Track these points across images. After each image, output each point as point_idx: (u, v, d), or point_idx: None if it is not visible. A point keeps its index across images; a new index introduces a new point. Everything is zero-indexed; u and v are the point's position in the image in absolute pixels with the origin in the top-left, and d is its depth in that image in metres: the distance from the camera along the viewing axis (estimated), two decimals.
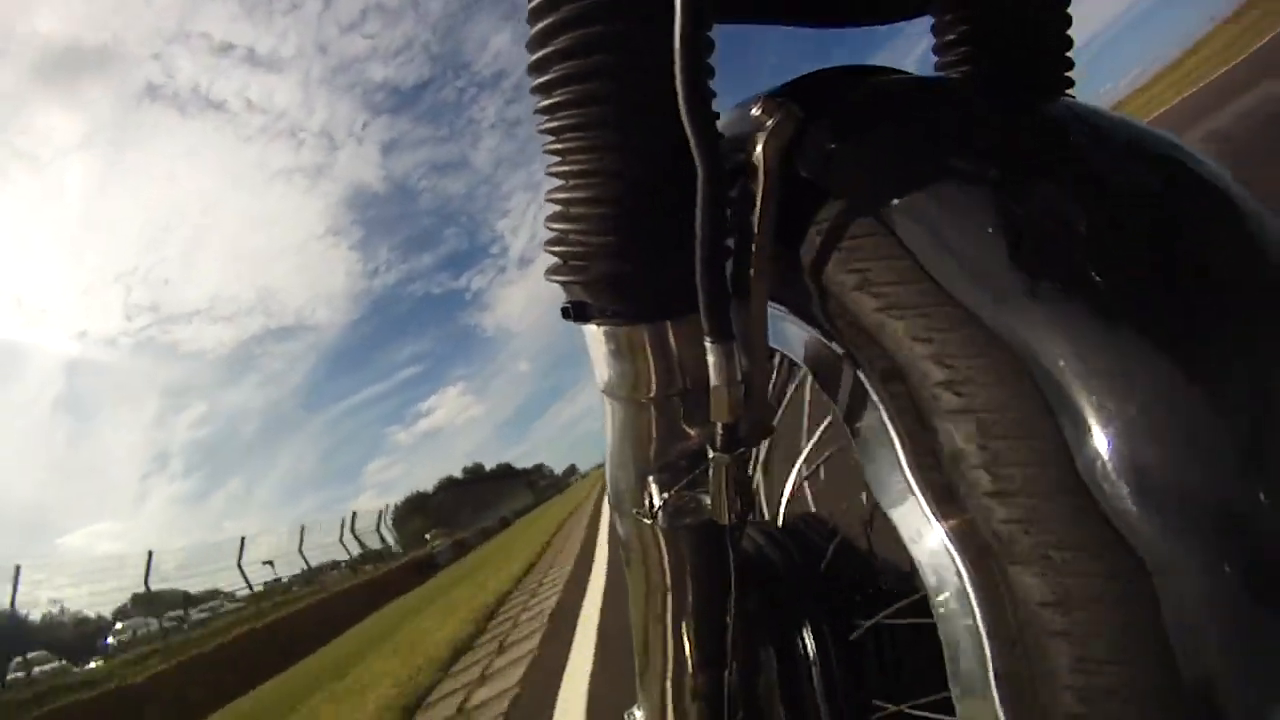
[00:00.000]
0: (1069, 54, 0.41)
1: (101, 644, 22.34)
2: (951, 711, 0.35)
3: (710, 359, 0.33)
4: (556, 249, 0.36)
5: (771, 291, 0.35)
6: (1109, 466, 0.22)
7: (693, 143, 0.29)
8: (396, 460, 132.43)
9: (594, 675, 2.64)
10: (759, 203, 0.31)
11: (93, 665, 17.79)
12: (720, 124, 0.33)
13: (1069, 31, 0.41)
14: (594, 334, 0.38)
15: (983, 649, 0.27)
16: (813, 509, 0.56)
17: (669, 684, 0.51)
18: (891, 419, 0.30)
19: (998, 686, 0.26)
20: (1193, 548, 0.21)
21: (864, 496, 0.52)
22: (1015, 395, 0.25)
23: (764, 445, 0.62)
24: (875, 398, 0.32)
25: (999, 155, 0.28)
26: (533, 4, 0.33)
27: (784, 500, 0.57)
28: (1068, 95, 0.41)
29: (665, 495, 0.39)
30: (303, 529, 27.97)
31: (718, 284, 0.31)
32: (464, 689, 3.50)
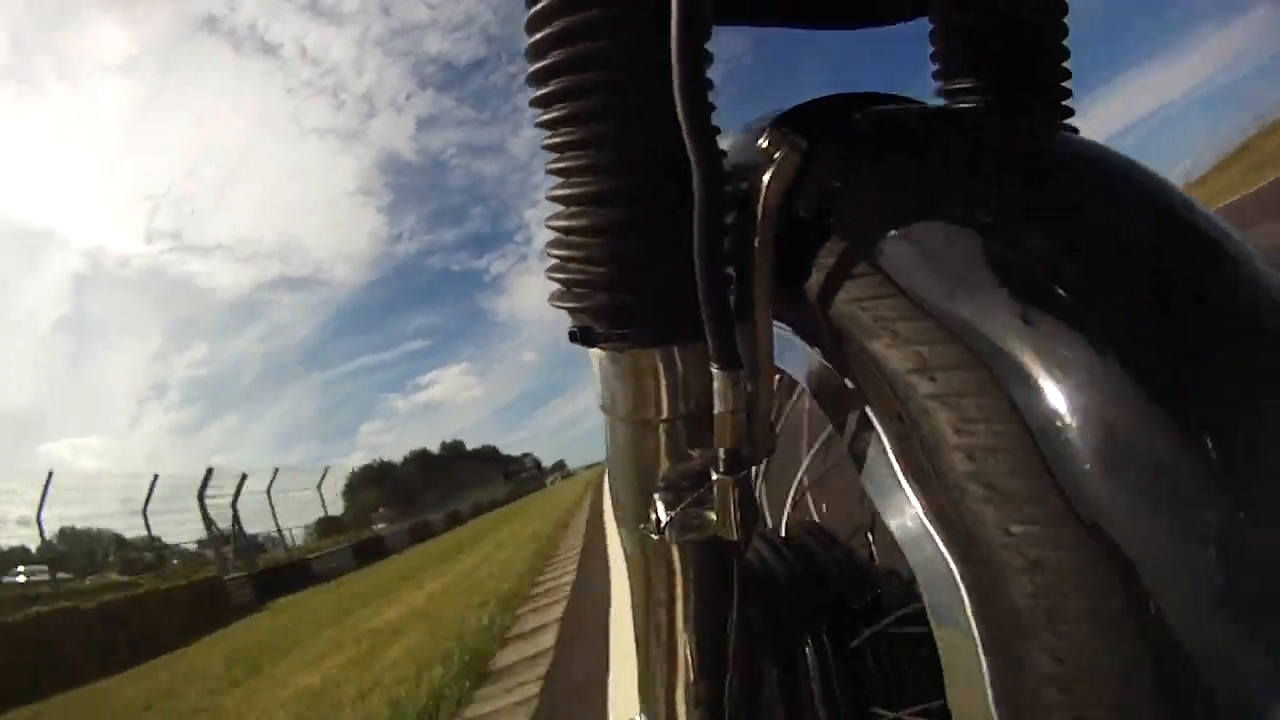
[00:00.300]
0: (1066, 62, 0.41)
1: None
2: (948, 718, 0.37)
3: (716, 385, 0.33)
4: (560, 275, 0.36)
5: (775, 313, 0.35)
6: (1104, 484, 0.23)
7: (694, 161, 0.30)
8: (392, 426, 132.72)
9: None
10: (760, 236, 0.32)
11: None
12: (725, 146, 0.34)
13: (1065, 39, 0.41)
14: (599, 357, 0.39)
15: (978, 657, 0.27)
16: (813, 518, 0.57)
17: (670, 693, 0.52)
18: (892, 443, 0.31)
19: (992, 693, 0.27)
20: (1184, 551, 0.22)
21: (863, 507, 0.53)
22: (1012, 424, 0.25)
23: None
24: (876, 422, 0.32)
25: (998, 191, 0.29)
26: (529, 15, 0.33)
27: (785, 510, 0.58)
28: (1066, 106, 0.42)
29: (670, 513, 0.40)
30: (207, 474, 24.87)
31: (721, 313, 0.32)
32: None
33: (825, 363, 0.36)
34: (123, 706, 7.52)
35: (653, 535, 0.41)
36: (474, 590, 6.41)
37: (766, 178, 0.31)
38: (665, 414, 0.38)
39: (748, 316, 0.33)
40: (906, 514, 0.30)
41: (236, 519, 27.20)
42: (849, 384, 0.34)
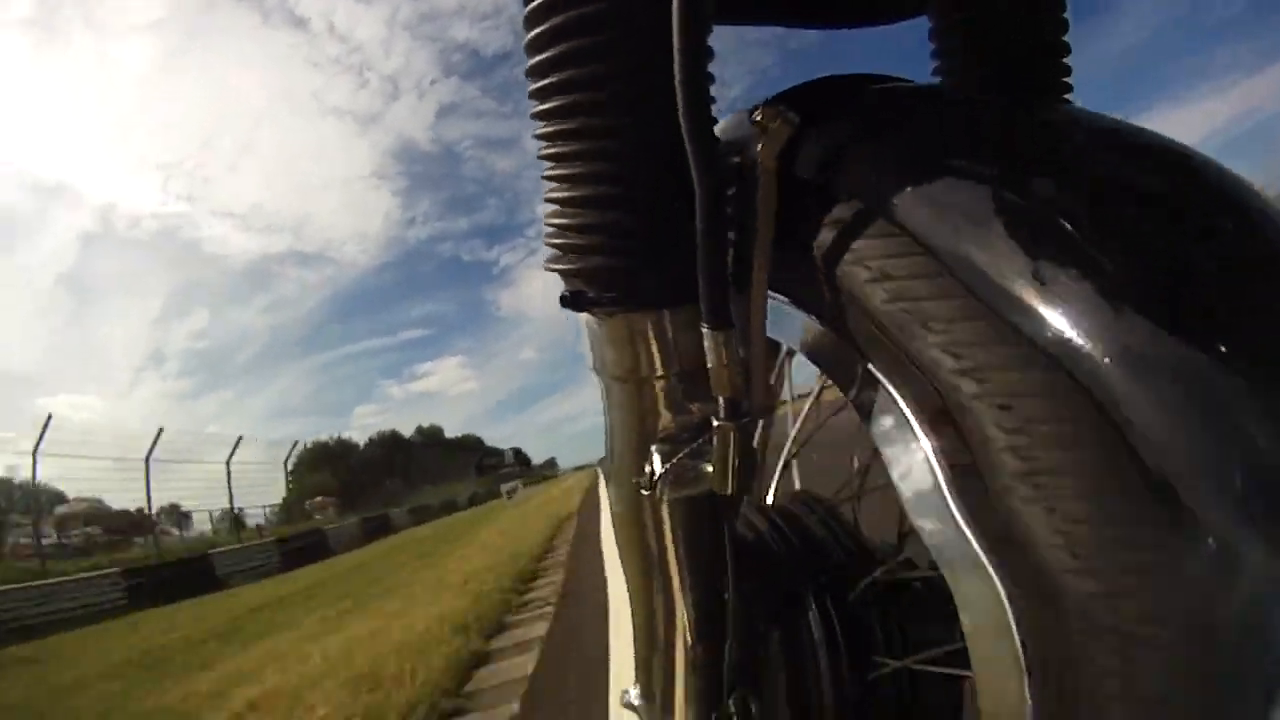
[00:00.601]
0: (1066, 58, 0.41)
1: None
2: (951, 664, 0.37)
3: (707, 344, 0.33)
4: (555, 241, 0.36)
5: (771, 282, 0.35)
6: (1153, 439, 0.22)
7: (687, 140, 0.30)
8: (387, 409, 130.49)
9: None
10: (759, 201, 0.32)
11: None
12: (719, 129, 0.34)
13: (1065, 35, 0.41)
14: (591, 321, 0.39)
15: (1009, 628, 0.27)
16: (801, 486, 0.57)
17: (666, 657, 0.52)
18: (908, 403, 0.30)
19: (1027, 665, 0.26)
20: (1245, 523, 0.21)
21: (854, 467, 0.53)
22: (1034, 377, 0.25)
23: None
24: (888, 386, 0.32)
25: (998, 149, 0.28)
26: (529, 9, 0.33)
27: (775, 477, 0.58)
28: (1066, 100, 0.42)
29: (666, 465, 0.40)
30: (156, 435, 19.28)
31: (717, 274, 0.32)
32: None
33: (823, 327, 0.36)
34: None
35: (645, 490, 0.41)
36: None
37: (760, 145, 0.31)
38: (659, 371, 0.39)
39: (744, 279, 0.33)
40: (921, 466, 0.29)
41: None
42: (849, 344, 0.34)
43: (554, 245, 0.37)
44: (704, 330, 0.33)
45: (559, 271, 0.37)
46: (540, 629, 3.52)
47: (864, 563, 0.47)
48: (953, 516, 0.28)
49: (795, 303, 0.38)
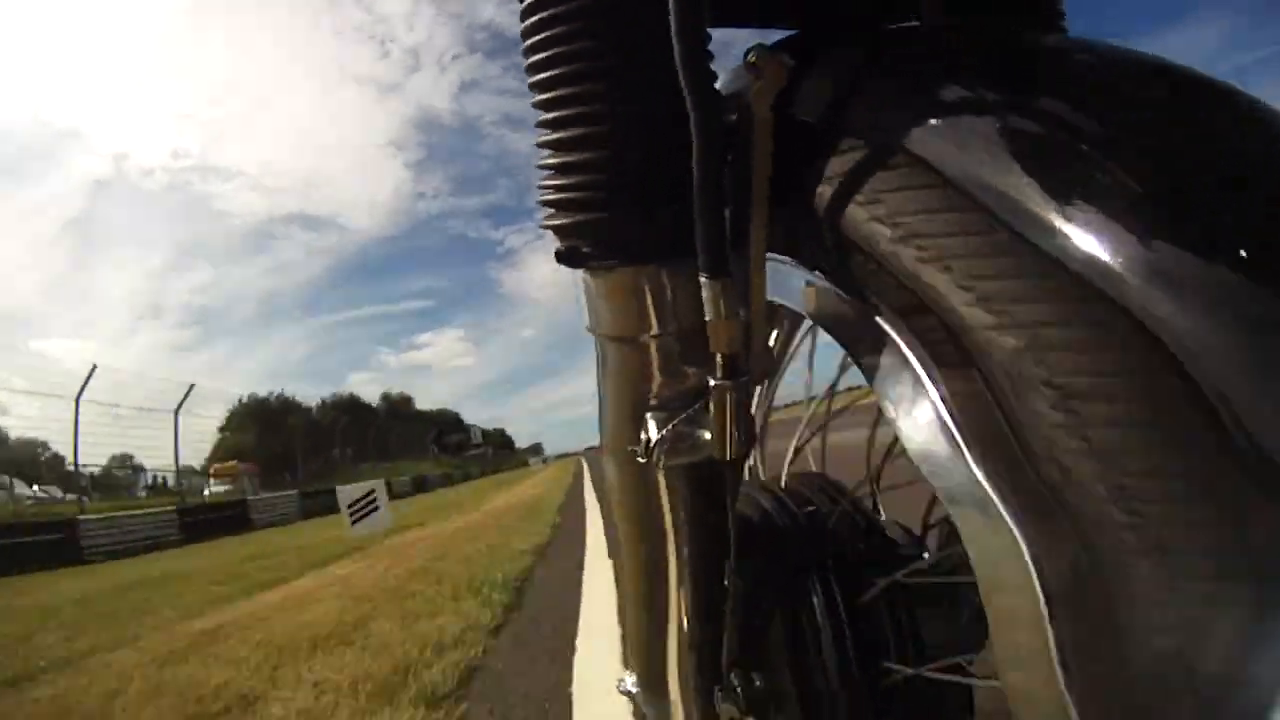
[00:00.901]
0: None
1: None
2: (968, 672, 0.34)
3: (705, 294, 0.32)
4: (550, 196, 0.36)
5: (772, 243, 0.34)
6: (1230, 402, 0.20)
7: (685, 86, 0.29)
8: (379, 379, 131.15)
9: None
10: (754, 148, 0.31)
11: None
12: (720, 80, 0.34)
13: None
14: (585, 278, 0.38)
15: (1040, 616, 0.24)
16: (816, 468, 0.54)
17: (663, 639, 0.50)
18: (926, 368, 0.29)
19: (1059, 657, 0.24)
20: None
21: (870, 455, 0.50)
22: (1082, 334, 0.23)
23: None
24: (904, 346, 0.30)
25: (1006, 75, 0.27)
26: None
27: (788, 458, 0.54)
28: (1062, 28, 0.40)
29: (663, 431, 0.38)
30: (90, 372, 17.27)
31: (714, 222, 0.31)
32: None
33: (829, 285, 0.35)
34: None
35: (641, 459, 0.39)
36: None
37: (755, 89, 0.31)
38: (655, 330, 0.37)
39: (742, 231, 0.33)
40: (951, 460, 0.27)
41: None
42: (857, 299, 0.33)
43: (548, 202, 0.36)
44: (702, 281, 0.32)
45: (554, 228, 0.36)
46: None
47: (879, 553, 0.44)
48: (987, 497, 0.26)
49: (802, 262, 0.37)
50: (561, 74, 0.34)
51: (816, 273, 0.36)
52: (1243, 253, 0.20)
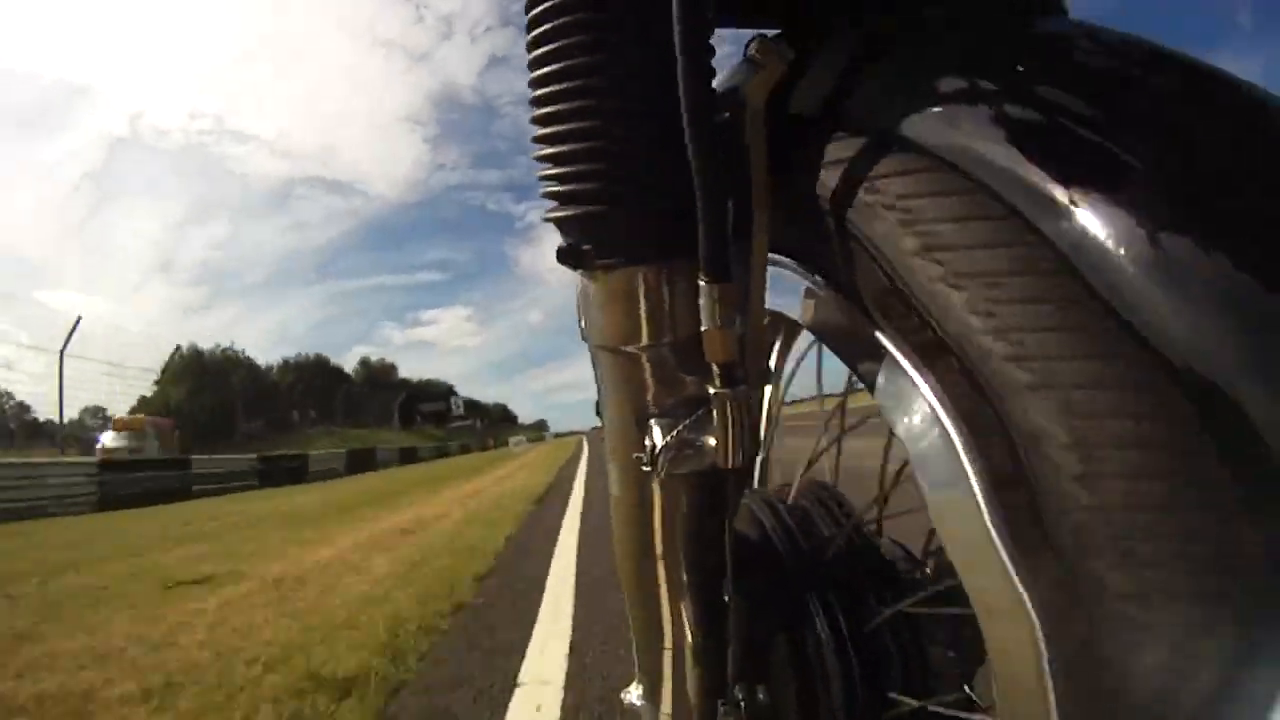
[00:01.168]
0: None
1: None
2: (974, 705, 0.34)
3: (703, 301, 0.32)
4: (552, 189, 0.35)
5: (774, 243, 0.34)
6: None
7: (680, 76, 0.29)
8: (383, 352, 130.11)
9: None
10: (750, 143, 0.31)
11: None
12: (722, 76, 0.33)
13: None
14: (586, 282, 0.38)
15: (1037, 645, 0.24)
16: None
17: (667, 652, 0.49)
18: (936, 390, 0.28)
19: (1055, 687, 0.24)
20: None
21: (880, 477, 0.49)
22: (1101, 358, 0.21)
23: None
24: (913, 371, 0.29)
25: (1012, 62, 0.26)
26: None
27: (798, 475, 0.53)
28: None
29: (667, 438, 0.38)
30: None
31: (715, 222, 0.31)
32: None
33: (832, 293, 0.34)
34: None
35: (645, 467, 0.39)
36: None
37: (752, 82, 0.30)
38: (653, 339, 0.37)
39: (743, 231, 0.32)
40: (958, 487, 0.26)
41: None
42: (861, 309, 0.32)
43: (552, 194, 0.36)
44: (701, 285, 0.32)
45: (556, 220, 0.36)
46: None
47: (880, 580, 0.44)
48: (988, 535, 0.25)
49: (804, 264, 0.36)
50: (564, 76, 0.33)
51: (818, 278, 0.35)
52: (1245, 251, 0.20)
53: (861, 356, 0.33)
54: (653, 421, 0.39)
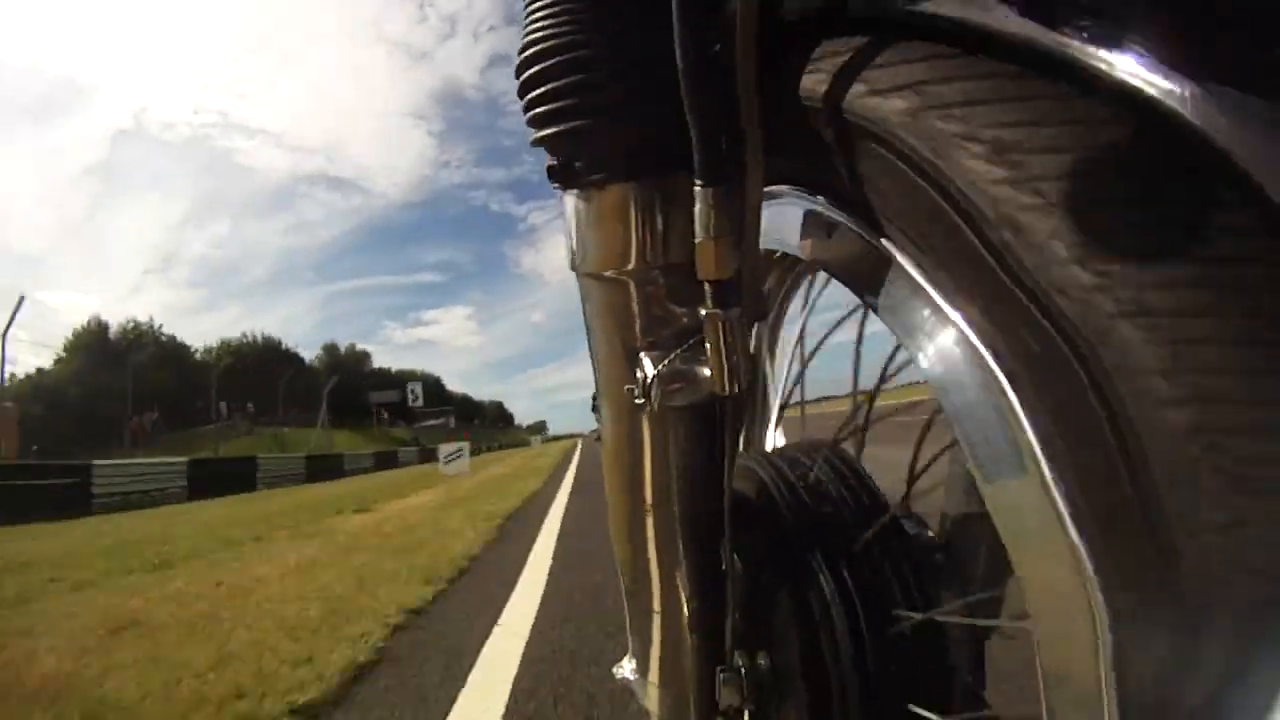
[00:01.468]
0: None
1: None
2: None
3: (698, 208, 0.30)
4: (538, 111, 0.35)
5: (776, 169, 0.32)
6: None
7: None
8: (386, 352, 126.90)
9: None
10: (738, 47, 0.28)
11: None
12: None
13: None
14: (575, 202, 0.37)
15: (1083, 575, 0.21)
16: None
17: (661, 617, 0.47)
18: (992, 349, 0.23)
19: (1118, 688, 0.20)
20: None
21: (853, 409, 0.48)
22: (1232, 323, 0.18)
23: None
24: (940, 296, 0.26)
25: None
26: None
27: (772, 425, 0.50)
28: None
29: (658, 368, 0.36)
30: None
31: (707, 126, 0.30)
32: None
33: (844, 218, 0.31)
34: None
35: (638, 400, 0.37)
36: None
37: None
38: (642, 261, 0.35)
39: (736, 139, 0.30)
40: (1002, 430, 0.23)
41: None
42: (864, 221, 0.30)
43: (538, 117, 0.35)
44: (696, 189, 0.30)
45: (543, 141, 0.35)
46: None
47: (874, 510, 0.42)
48: (1060, 517, 0.21)
49: (806, 187, 0.34)
50: None
51: (822, 199, 0.32)
52: None
53: (881, 292, 0.29)
54: (643, 354, 0.37)
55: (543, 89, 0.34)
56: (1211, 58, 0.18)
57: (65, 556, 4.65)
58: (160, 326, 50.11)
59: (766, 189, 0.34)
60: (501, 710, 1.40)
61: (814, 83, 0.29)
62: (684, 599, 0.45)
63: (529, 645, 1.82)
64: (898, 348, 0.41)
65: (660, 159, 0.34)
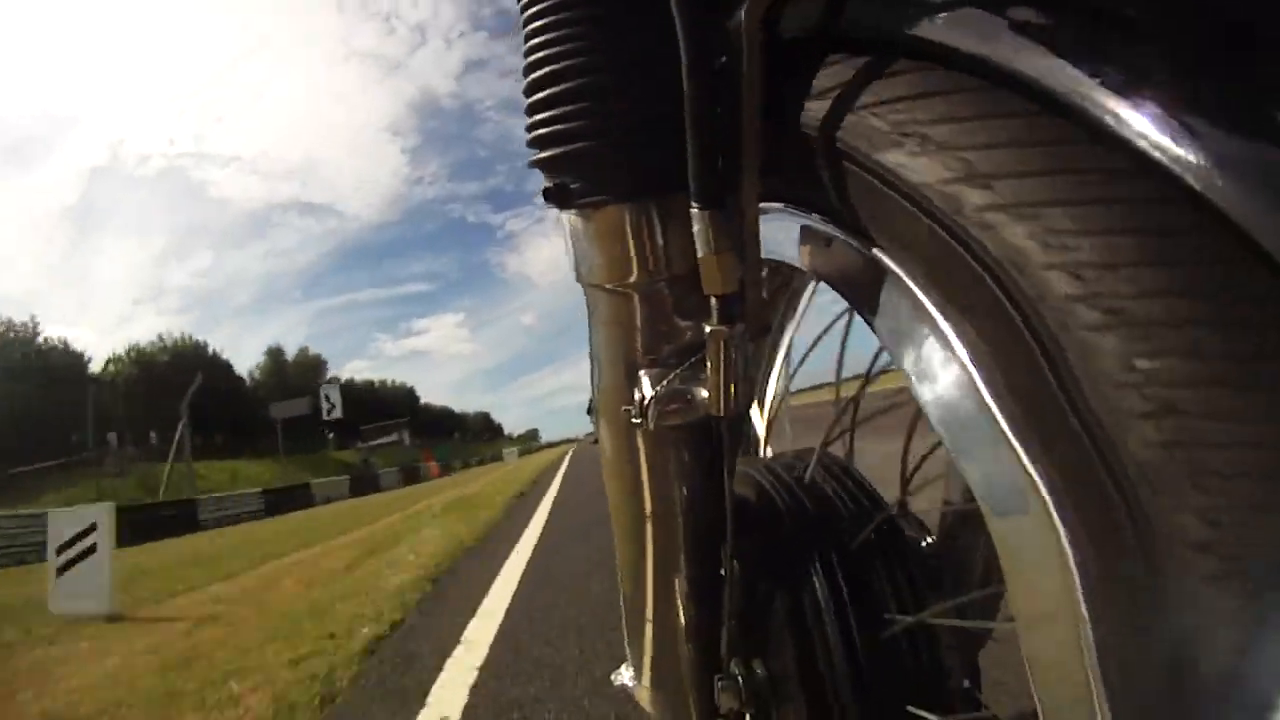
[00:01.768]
0: None
1: None
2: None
3: (696, 228, 0.31)
4: (540, 131, 0.35)
5: (769, 186, 0.32)
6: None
7: (675, 11, 0.28)
8: (379, 365, 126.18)
9: None
10: (744, 70, 0.29)
11: None
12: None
13: None
14: (574, 219, 0.36)
15: (1070, 577, 0.22)
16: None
17: (657, 626, 0.47)
18: (969, 341, 0.25)
19: (1105, 683, 0.21)
20: None
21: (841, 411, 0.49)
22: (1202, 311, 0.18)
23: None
24: (938, 312, 0.26)
25: None
26: None
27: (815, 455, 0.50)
28: None
29: (657, 388, 0.36)
30: None
31: (705, 147, 0.30)
32: None
33: (839, 232, 0.32)
34: None
35: (635, 420, 0.37)
36: None
37: (746, 7, 0.29)
38: (645, 274, 0.35)
39: (735, 162, 0.31)
40: (997, 448, 0.24)
41: None
42: (859, 237, 0.30)
43: (537, 139, 0.35)
44: (693, 213, 0.30)
45: (542, 163, 0.35)
46: None
47: (870, 512, 0.43)
48: (1009, 444, 0.23)
49: (801, 206, 0.35)
50: (552, 12, 0.33)
51: (816, 216, 0.33)
52: None
53: (871, 300, 0.30)
54: (642, 372, 0.37)
55: (543, 114, 0.34)
56: (1190, 91, 0.18)
57: None
58: (38, 325, 38.88)
59: (760, 205, 0.33)
60: None
61: (810, 104, 0.29)
62: (682, 607, 0.45)
63: None
64: (879, 352, 0.43)
65: (656, 181, 0.34)
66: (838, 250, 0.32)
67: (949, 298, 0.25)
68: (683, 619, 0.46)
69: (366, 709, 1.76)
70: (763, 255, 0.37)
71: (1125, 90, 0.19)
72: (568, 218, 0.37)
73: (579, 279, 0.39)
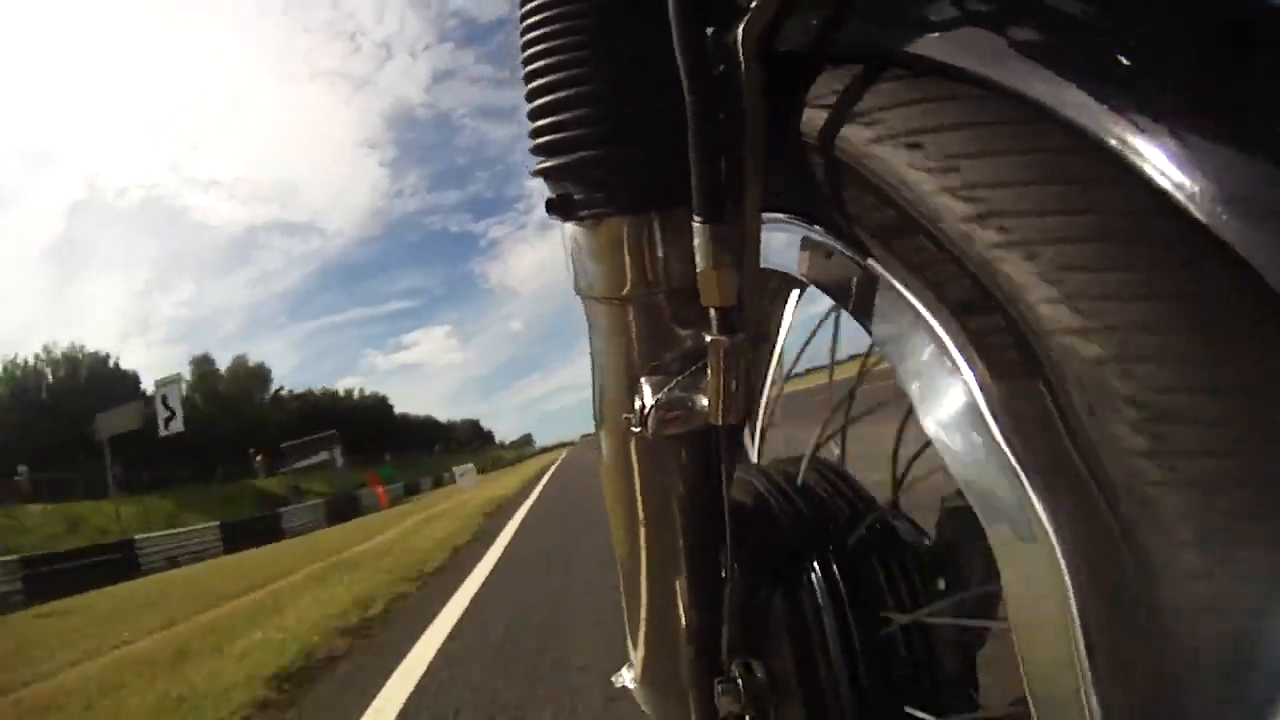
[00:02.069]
0: None
1: None
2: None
3: (697, 241, 0.31)
4: (542, 140, 0.35)
5: (772, 200, 0.33)
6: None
7: (671, 13, 0.28)
8: (369, 382, 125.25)
9: None
10: (744, 85, 0.30)
11: None
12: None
13: None
14: (576, 232, 0.37)
15: (1060, 576, 0.22)
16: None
17: (658, 629, 0.47)
18: (971, 366, 0.25)
19: (1095, 683, 0.22)
20: None
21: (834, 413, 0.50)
22: (1189, 343, 0.19)
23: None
24: (943, 334, 0.26)
25: None
26: None
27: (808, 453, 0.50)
28: None
29: (657, 397, 0.37)
30: None
31: (707, 161, 0.30)
32: None
33: (838, 245, 0.32)
34: None
35: (635, 429, 0.38)
36: None
37: (746, 19, 0.29)
38: (644, 286, 0.36)
39: (737, 177, 0.31)
40: (985, 448, 0.24)
41: None
42: (854, 245, 0.30)
43: (540, 149, 0.35)
44: (695, 226, 0.31)
45: (544, 173, 0.35)
46: None
47: (862, 512, 0.44)
48: (1001, 451, 0.23)
49: (802, 215, 0.35)
50: (555, 23, 0.33)
51: (817, 228, 0.34)
52: None
53: (870, 308, 0.30)
54: (643, 380, 0.38)
55: (545, 121, 0.34)
56: (1181, 102, 0.19)
57: None
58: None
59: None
60: None
61: (807, 116, 0.30)
62: (682, 610, 0.46)
63: None
64: (870, 351, 0.44)
65: (659, 193, 0.34)
66: (837, 261, 0.33)
67: (946, 306, 0.26)
68: (683, 622, 0.46)
69: None
70: (761, 265, 0.37)
71: (1122, 101, 0.19)
72: (569, 230, 0.37)
73: (578, 291, 0.39)
